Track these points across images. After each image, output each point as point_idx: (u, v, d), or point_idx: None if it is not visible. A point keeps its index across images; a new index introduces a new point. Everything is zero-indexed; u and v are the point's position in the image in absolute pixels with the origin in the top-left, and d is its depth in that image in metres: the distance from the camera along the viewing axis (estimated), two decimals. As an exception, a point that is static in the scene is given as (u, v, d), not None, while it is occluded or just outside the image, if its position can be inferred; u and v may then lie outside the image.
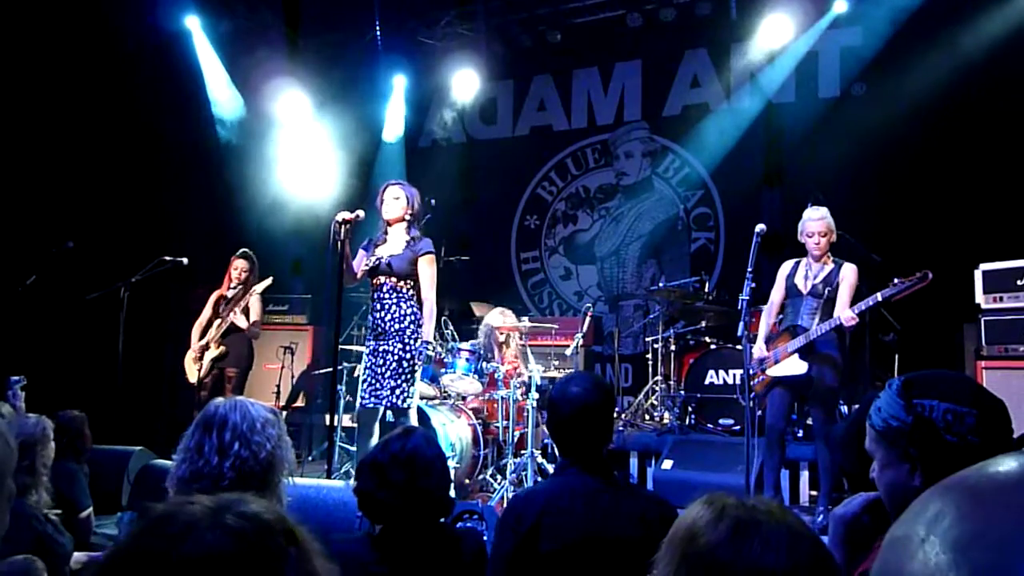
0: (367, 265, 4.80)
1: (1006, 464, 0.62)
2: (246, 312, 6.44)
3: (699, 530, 1.04)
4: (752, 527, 1.02)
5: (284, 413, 7.32)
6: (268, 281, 6.47)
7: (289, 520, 0.81)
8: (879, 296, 4.47)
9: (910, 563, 0.60)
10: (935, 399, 1.43)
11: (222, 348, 6.41)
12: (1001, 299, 5.49)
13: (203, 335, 6.49)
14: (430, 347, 4.82)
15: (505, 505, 2.17)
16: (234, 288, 6.54)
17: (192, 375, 6.40)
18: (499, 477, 5.83)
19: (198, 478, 1.79)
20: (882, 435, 1.49)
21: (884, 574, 0.63)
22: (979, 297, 5.58)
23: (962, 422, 1.39)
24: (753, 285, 4.25)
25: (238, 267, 6.52)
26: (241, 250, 6.61)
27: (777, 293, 5.10)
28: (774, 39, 7.57)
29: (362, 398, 4.75)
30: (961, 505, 0.60)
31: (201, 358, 6.37)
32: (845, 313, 4.60)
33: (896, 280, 4.43)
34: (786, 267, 5.09)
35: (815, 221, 4.87)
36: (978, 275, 5.59)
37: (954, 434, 1.39)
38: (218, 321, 6.44)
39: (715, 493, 1.09)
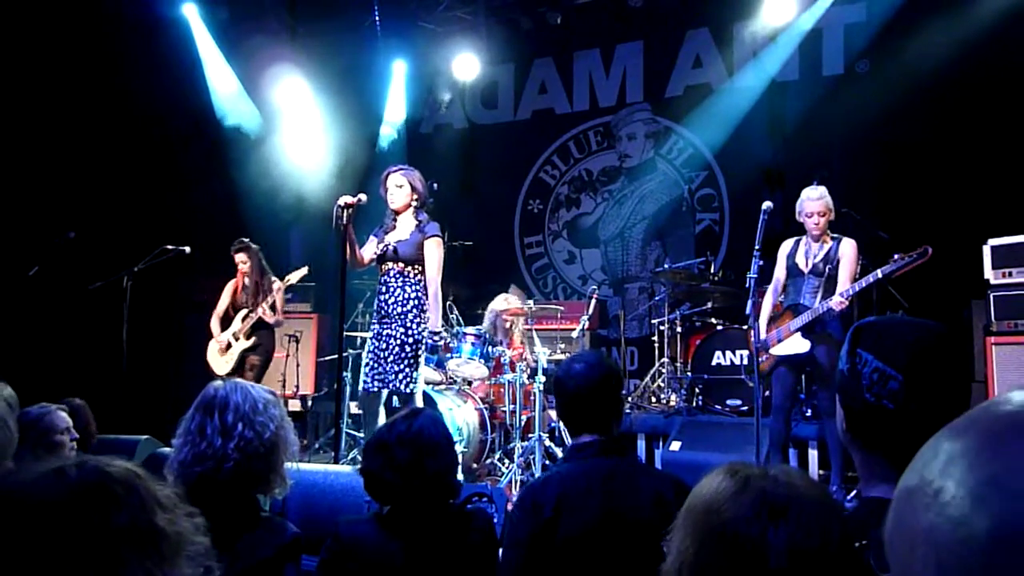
0: (376, 252, 4.78)
1: (1017, 400, 0.57)
2: (272, 308, 6.40)
3: (721, 502, 0.96)
4: (780, 502, 0.93)
5: (310, 402, 7.38)
6: (303, 271, 6.35)
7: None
8: (879, 273, 4.43)
9: (925, 514, 0.55)
10: (872, 353, 1.35)
11: (252, 340, 6.40)
12: (1010, 274, 5.45)
13: (223, 326, 6.46)
14: (438, 338, 4.78)
15: (521, 491, 2.15)
16: (249, 278, 6.49)
17: (218, 367, 6.40)
18: (507, 461, 5.82)
19: (201, 460, 1.77)
20: (836, 379, 1.45)
21: (899, 529, 0.58)
22: (988, 272, 5.53)
23: (884, 385, 1.32)
24: (761, 263, 4.21)
25: (237, 260, 6.47)
26: (236, 241, 6.51)
27: (779, 272, 5.06)
28: (777, 17, 7.47)
29: (364, 382, 4.73)
30: (975, 447, 0.55)
31: (229, 348, 6.39)
32: (834, 299, 4.56)
33: (896, 256, 4.39)
34: (786, 246, 5.05)
35: (814, 201, 4.82)
36: (986, 250, 5.54)
37: (874, 394, 1.33)
38: (243, 312, 6.39)
39: (736, 463, 1.01)
